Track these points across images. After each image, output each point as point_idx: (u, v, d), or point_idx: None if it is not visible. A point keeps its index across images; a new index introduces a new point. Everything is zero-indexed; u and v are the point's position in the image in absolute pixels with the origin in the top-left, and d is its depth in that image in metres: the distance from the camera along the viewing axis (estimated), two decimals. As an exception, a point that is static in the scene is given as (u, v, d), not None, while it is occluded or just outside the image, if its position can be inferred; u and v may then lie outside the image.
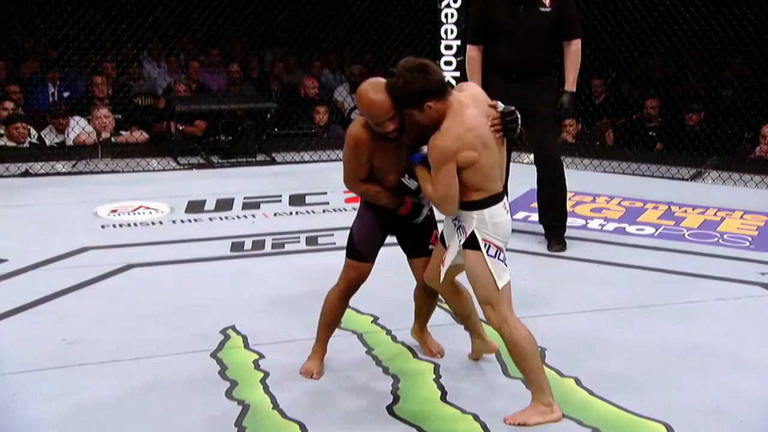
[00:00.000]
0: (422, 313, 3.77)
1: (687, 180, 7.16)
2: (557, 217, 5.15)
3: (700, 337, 3.93)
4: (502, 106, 3.16)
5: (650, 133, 7.96)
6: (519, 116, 3.14)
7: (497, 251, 3.15)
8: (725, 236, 5.46)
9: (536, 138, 5.04)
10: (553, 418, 3.16)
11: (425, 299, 3.70)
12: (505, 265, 3.18)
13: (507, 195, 3.42)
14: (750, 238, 5.42)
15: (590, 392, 3.41)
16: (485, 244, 3.12)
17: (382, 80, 3.12)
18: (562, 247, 5.09)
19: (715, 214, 5.96)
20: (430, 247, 3.49)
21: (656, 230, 5.58)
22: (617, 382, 3.47)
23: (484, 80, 4.89)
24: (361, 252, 3.49)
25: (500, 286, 3.15)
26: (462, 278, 3.39)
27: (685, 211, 6.04)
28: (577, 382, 3.49)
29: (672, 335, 3.94)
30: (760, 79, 8.08)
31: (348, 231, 3.52)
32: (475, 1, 4.88)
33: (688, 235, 5.51)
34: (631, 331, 3.55)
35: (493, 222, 3.12)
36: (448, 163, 3.00)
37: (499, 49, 4.82)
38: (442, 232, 3.38)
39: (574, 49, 4.80)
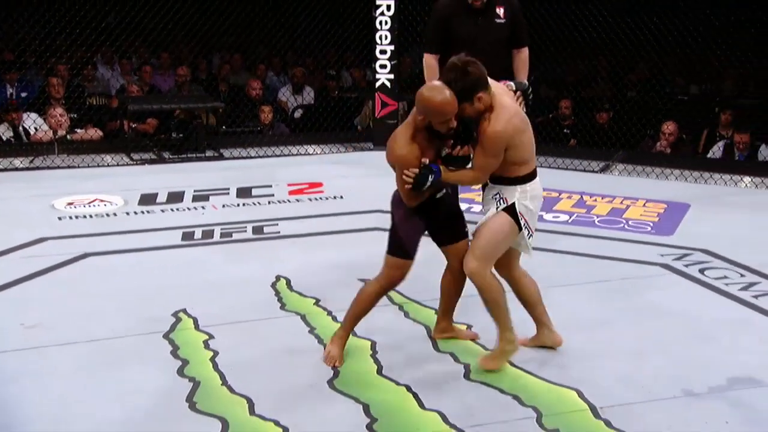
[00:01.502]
0: (450, 304, 3.63)
1: (597, 172, 7.30)
2: None
3: (610, 313, 4.02)
4: (514, 85, 3.28)
5: (564, 130, 8.09)
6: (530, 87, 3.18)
7: (529, 233, 3.29)
8: (630, 222, 5.59)
9: None
10: (515, 350, 3.37)
11: (455, 286, 3.56)
12: (531, 238, 3.31)
13: None
14: (651, 224, 5.55)
15: (511, 363, 3.46)
16: (524, 222, 3.25)
17: (439, 83, 3.13)
18: None
19: (622, 202, 6.09)
20: (465, 229, 3.43)
21: (570, 217, 5.68)
22: (535, 354, 3.53)
23: None
24: (408, 250, 3.35)
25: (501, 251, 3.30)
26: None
27: (595, 200, 6.15)
28: (500, 354, 3.54)
29: (584, 312, 4.03)
30: (660, 82, 8.28)
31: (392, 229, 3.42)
32: (435, 13, 4.75)
33: (598, 221, 5.62)
34: (550, 309, 3.62)
35: (532, 194, 3.25)
36: (498, 145, 3.10)
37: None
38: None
39: (525, 56, 4.77)
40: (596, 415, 3.07)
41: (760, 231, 5.33)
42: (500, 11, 4.60)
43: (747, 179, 6.63)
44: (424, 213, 3.32)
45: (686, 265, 4.67)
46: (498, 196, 3.26)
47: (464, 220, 3.47)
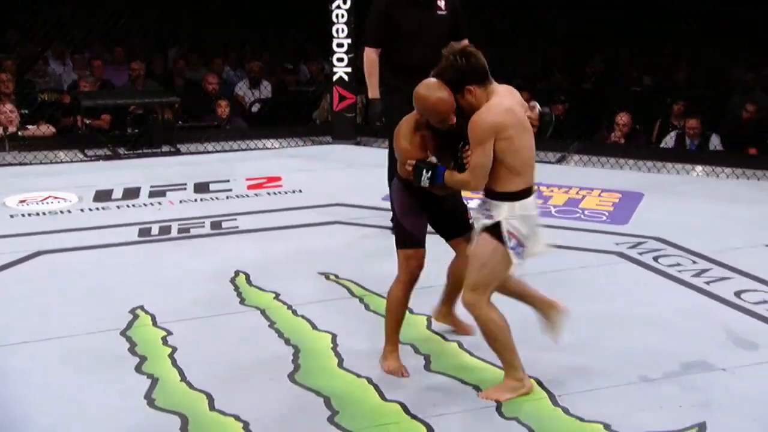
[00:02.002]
0: (454, 292, 3.45)
1: (554, 163, 7.37)
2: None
3: (567, 301, 4.03)
4: (539, 106, 3.15)
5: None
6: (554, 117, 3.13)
7: (517, 244, 2.97)
8: (586, 212, 5.66)
9: None
10: (524, 392, 3.10)
11: (462, 278, 3.25)
12: (520, 259, 3.01)
13: None
14: (606, 213, 5.63)
15: (471, 354, 3.48)
16: (509, 237, 2.95)
17: (435, 80, 3.00)
18: None
19: (578, 192, 6.16)
20: (471, 220, 3.23)
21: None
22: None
23: (380, 81, 4.80)
24: (419, 239, 3.21)
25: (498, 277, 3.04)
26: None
27: (552, 190, 6.22)
28: (460, 345, 3.56)
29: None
30: (614, 75, 8.40)
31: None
32: (376, 7, 4.73)
33: (555, 211, 5.69)
34: (507, 302, 3.65)
35: (522, 215, 2.96)
36: (485, 133, 2.86)
37: (403, 51, 4.68)
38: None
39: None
40: (554, 402, 3.10)
41: (711, 219, 5.44)
42: (441, 3, 4.62)
43: (699, 168, 6.76)
44: (425, 204, 3.20)
45: (640, 253, 4.74)
46: (486, 210, 3.03)
47: (468, 212, 3.32)
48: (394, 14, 4.62)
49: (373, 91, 4.76)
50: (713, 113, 7.62)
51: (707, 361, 3.42)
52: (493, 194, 2.99)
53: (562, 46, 8.41)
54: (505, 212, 2.96)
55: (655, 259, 4.66)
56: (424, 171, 3.01)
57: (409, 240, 3.22)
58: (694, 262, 4.59)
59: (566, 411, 3.04)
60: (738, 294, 4.13)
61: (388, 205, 5.60)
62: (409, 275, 3.26)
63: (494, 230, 2.97)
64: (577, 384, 3.19)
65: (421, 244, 3.22)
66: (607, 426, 2.94)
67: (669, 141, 7.40)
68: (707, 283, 4.30)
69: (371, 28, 4.73)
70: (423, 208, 3.21)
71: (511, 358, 3.10)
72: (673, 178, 6.62)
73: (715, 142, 7.20)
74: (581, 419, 2.99)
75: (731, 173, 6.57)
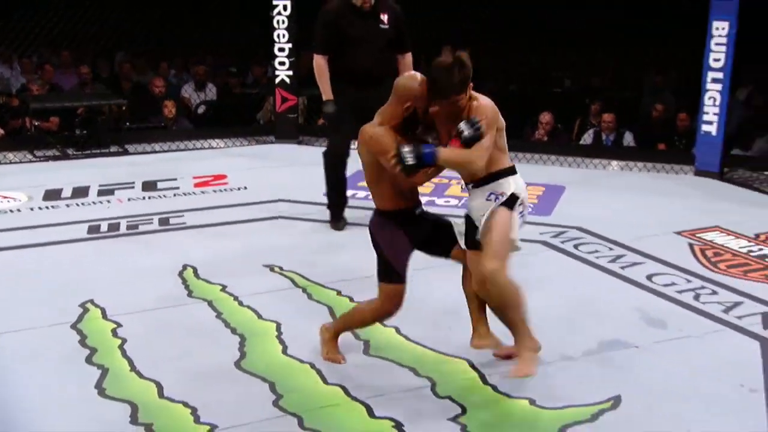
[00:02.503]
0: (479, 305, 3.20)
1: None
2: None
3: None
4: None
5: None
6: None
7: (523, 210, 3.07)
8: (513, 205, 5.73)
9: None
10: (538, 355, 3.10)
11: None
12: (524, 223, 3.11)
13: None
14: (531, 205, 5.69)
15: (407, 338, 3.52)
16: (520, 204, 3.03)
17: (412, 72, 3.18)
18: None
19: (506, 187, 6.23)
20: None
21: (459, 201, 5.78)
22: (430, 330, 3.59)
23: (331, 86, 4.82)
24: (399, 272, 3.08)
25: (515, 239, 3.02)
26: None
27: (482, 185, 6.28)
28: (397, 330, 3.58)
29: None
30: (539, 75, 8.53)
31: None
32: (324, 15, 4.77)
33: (485, 205, 5.74)
34: (440, 288, 3.69)
35: (521, 184, 3.06)
36: (492, 115, 2.94)
37: (347, 59, 4.74)
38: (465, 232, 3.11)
39: (408, 61, 4.87)
40: (484, 381, 3.16)
41: (625, 209, 5.57)
42: (384, 17, 4.69)
43: (614, 163, 6.92)
44: (408, 227, 3.09)
45: (562, 242, 4.84)
46: (492, 195, 3.00)
47: (450, 225, 3.20)
48: (340, 24, 4.67)
49: (326, 93, 4.81)
50: (627, 112, 7.81)
51: (621, 340, 3.52)
52: (495, 174, 3.01)
53: (491, 51, 8.52)
54: (512, 185, 3.02)
55: (576, 246, 4.76)
56: (403, 150, 2.86)
57: (394, 275, 3.07)
58: (611, 249, 4.70)
59: (495, 389, 3.10)
60: (649, 277, 4.26)
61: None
62: (387, 312, 3.15)
63: (511, 202, 3.01)
64: (505, 364, 3.24)
65: (401, 279, 3.09)
66: (532, 401, 3.01)
67: (587, 138, 7.55)
68: (622, 267, 4.41)
69: (319, 35, 4.77)
70: (409, 240, 3.09)
71: (523, 327, 3.05)
72: (591, 172, 6.76)
73: (628, 139, 7.38)
74: (508, 396, 3.06)
75: (643, 167, 6.75)
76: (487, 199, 3.01)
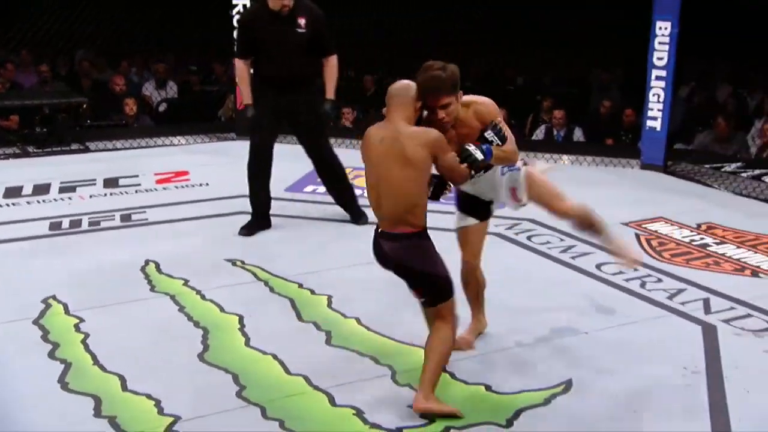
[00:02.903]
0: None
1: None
2: (350, 202, 5.07)
3: (454, 278, 4.14)
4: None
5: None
6: None
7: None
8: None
9: (311, 145, 4.91)
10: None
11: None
12: None
13: None
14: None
15: (368, 328, 3.52)
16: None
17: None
18: (365, 218, 4.93)
19: (461, 181, 6.27)
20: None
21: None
22: (390, 319, 3.60)
23: (252, 90, 4.75)
24: (452, 282, 2.87)
25: (545, 172, 3.27)
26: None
27: (439, 180, 6.31)
28: (358, 321, 3.59)
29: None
30: (492, 77, 8.60)
31: None
32: (242, 20, 4.71)
33: (441, 198, 5.76)
34: (401, 280, 3.69)
35: None
36: (498, 111, 2.98)
37: (266, 63, 4.66)
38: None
39: (332, 63, 4.79)
40: (442, 369, 3.17)
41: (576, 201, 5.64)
42: (302, 21, 4.58)
43: (565, 157, 6.99)
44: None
45: (516, 234, 4.88)
46: (504, 168, 3.11)
47: None
48: (257, 28, 4.59)
49: (245, 98, 4.76)
50: (576, 109, 7.92)
51: (573, 326, 3.58)
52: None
53: (445, 49, 8.56)
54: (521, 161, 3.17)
55: (529, 238, 4.81)
56: (477, 151, 2.78)
57: (451, 287, 2.83)
58: (562, 240, 4.76)
59: (453, 376, 3.12)
60: (598, 266, 4.32)
61: (292, 195, 5.63)
62: (455, 321, 2.90)
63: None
64: (461, 352, 3.26)
65: (453, 290, 2.86)
66: (488, 387, 3.04)
67: (539, 134, 7.64)
68: (573, 257, 4.48)
69: (238, 40, 4.75)
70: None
71: (607, 231, 3.36)
72: (543, 166, 6.83)
73: (578, 134, 7.48)
74: (466, 382, 3.08)
75: (592, 161, 6.84)
76: (502, 174, 3.14)
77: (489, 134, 2.88)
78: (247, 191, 4.96)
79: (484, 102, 3.00)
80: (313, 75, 4.77)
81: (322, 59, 4.78)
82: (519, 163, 3.15)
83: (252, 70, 4.81)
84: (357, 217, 5.03)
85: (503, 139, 2.88)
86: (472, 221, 3.28)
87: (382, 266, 2.86)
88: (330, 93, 4.86)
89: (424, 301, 2.86)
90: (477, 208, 3.28)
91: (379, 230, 2.81)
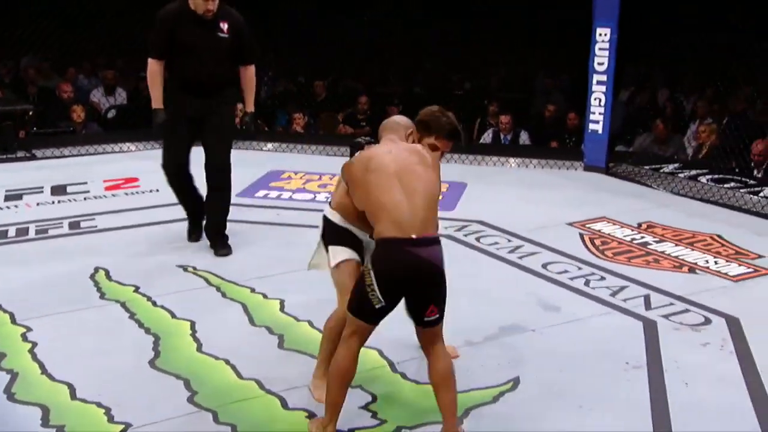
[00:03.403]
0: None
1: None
2: (219, 222, 4.62)
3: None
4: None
5: (361, 123, 8.23)
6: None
7: None
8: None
9: (208, 147, 4.56)
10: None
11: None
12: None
13: None
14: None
15: (320, 331, 3.49)
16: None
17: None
18: (228, 250, 4.54)
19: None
20: None
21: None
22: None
23: (165, 92, 4.45)
24: None
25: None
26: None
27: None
28: (310, 324, 3.57)
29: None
30: (446, 77, 8.65)
31: None
32: (161, 20, 4.39)
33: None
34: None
35: None
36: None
37: (181, 65, 4.41)
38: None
39: (251, 73, 4.58)
40: (393, 369, 3.18)
41: (522, 203, 5.73)
42: (224, 26, 4.39)
43: (512, 160, 7.09)
44: None
45: (465, 235, 4.92)
46: None
47: None
48: (176, 29, 4.35)
49: (156, 101, 4.42)
50: (521, 113, 8.02)
51: (520, 324, 3.62)
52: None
53: (398, 55, 8.61)
54: None
55: (477, 239, 4.86)
56: None
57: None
58: (509, 241, 4.82)
59: (404, 376, 3.13)
60: (545, 266, 4.39)
61: (243, 200, 5.58)
62: None
63: None
64: (411, 352, 3.27)
65: None
66: (438, 386, 3.05)
67: (487, 137, 7.72)
68: (520, 258, 4.53)
69: (154, 39, 4.38)
70: None
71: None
72: (491, 169, 6.90)
73: (524, 138, 7.59)
74: (417, 382, 3.09)
75: (538, 164, 6.95)
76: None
77: None
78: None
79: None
80: (231, 82, 4.54)
81: (240, 67, 4.54)
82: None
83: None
84: (218, 247, 4.55)
85: None
86: (356, 256, 2.88)
87: (402, 281, 2.51)
88: (249, 105, 4.67)
89: (435, 318, 2.58)
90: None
91: (412, 237, 2.47)
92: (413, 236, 2.47)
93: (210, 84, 4.42)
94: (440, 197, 2.85)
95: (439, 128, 2.85)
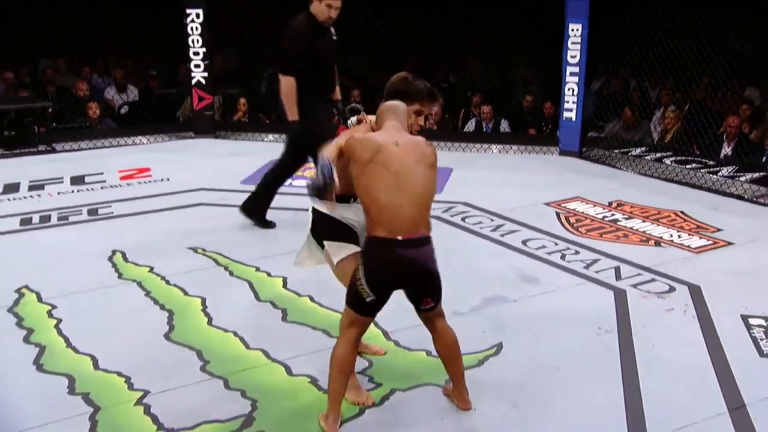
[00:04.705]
0: None
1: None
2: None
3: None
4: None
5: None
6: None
7: None
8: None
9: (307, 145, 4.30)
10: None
11: None
12: None
13: None
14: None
15: (320, 305, 3.52)
16: None
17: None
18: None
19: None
20: None
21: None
22: (336, 296, 3.59)
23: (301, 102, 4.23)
24: None
25: None
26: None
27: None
28: (311, 298, 3.59)
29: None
30: (430, 71, 8.61)
31: None
32: (295, 36, 4.15)
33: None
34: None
35: None
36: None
37: (314, 73, 4.21)
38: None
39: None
40: (387, 338, 3.20)
41: (504, 185, 5.74)
42: (333, 30, 4.34)
43: (494, 147, 7.09)
44: None
45: (452, 216, 4.94)
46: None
47: None
48: (310, 42, 4.18)
49: (294, 114, 4.23)
50: (502, 102, 8.01)
51: (502, 295, 3.65)
52: None
53: (383, 50, 8.57)
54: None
55: (463, 219, 4.87)
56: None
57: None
58: (492, 220, 4.84)
59: (397, 344, 3.15)
60: (524, 242, 4.41)
61: (247, 187, 5.55)
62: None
63: None
64: (404, 321, 3.27)
65: None
66: (428, 353, 3.07)
67: (470, 126, 7.72)
68: (502, 235, 4.55)
69: (291, 57, 4.17)
70: None
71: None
72: (474, 155, 6.91)
73: (504, 126, 7.58)
74: (409, 349, 3.12)
75: (517, 149, 6.95)
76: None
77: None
78: (205, 184, 4.89)
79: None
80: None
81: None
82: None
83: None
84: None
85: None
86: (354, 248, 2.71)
87: (390, 280, 2.45)
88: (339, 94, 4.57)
89: (431, 307, 2.57)
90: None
91: (399, 239, 2.39)
92: (403, 237, 2.38)
93: (335, 84, 4.37)
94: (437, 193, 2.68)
95: (419, 93, 2.68)
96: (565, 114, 6.65)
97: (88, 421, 2.60)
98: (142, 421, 2.60)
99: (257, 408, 2.68)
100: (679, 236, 4.51)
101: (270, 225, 4.67)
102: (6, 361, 2.99)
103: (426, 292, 2.53)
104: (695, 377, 2.90)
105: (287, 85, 4.18)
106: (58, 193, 5.52)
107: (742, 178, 5.84)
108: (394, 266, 2.42)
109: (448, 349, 2.61)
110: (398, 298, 2.81)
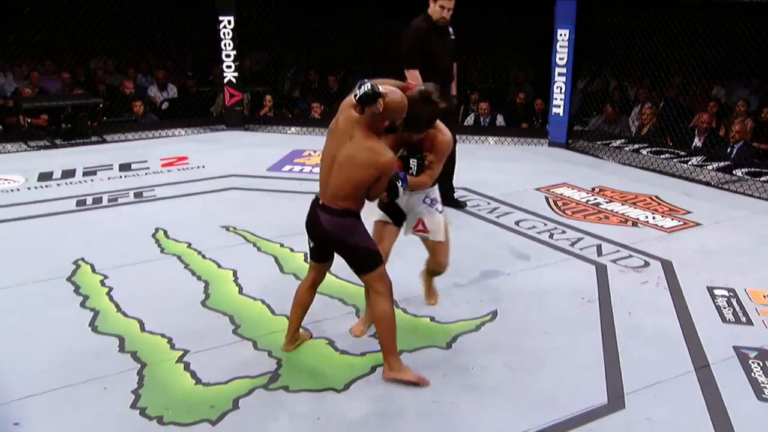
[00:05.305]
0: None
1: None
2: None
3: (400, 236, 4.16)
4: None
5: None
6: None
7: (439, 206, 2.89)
8: (415, 173, 5.78)
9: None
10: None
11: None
12: None
13: None
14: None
15: (336, 276, 3.50)
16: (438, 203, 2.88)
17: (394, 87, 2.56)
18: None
19: (408, 159, 6.27)
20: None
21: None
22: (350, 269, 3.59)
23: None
24: (379, 253, 2.60)
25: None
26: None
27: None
28: (336, 276, 3.57)
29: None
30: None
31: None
32: (414, 35, 4.08)
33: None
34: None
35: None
36: (448, 151, 2.72)
37: (431, 70, 4.04)
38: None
39: (456, 67, 4.43)
40: (396, 305, 3.18)
41: (499, 173, 5.70)
42: (450, 29, 4.21)
43: (490, 139, 7.04)
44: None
45: (452, 199, 4.91)
46: (427, 199, 2.84)
47: None
48: (427, 41, 4.08)
49: None
50: (498, 99, 7.95)
51: (497, 269, 3.64)
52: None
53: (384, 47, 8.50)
54: (437, 190, 2.90)
55: (463, 202, 4.85)
56: (398, 182, 2.59)
57: (378, 257, 2.58)
58: (488, 203, 4.82)
59: (405, 311, 3.15)
60: (517, 223, 4.39)
61: (273, 174, 5.57)
62: (389, 287, 2.58)
63: (436, 206, 2.88)
64: (410, 290, 3.30)
65: (381, 259, 2.61)
66: (432, 318, 3.09)
67: (469, 120, 7.66)
68: (497, 216, 4.53)
69: (411, 54, 4.08)
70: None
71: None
72: (473, 146, 6.87)
73: (499, 120, 7.52)
74: (415, 315, 3.12)
75: (511, 141, 6.90)
76: (423, 202, 2.85)
77: (413, 162, 2.67)
78: (235, 171, 4.89)
79: (445, 135, 2.69)
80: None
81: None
82: (439, 206, 2.87)
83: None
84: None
85: (420, 170, 2.68)
86: (388, 220, 2.87)
87: (307, 229, 2.63)
88: (455, 91, 4.52)
89: (355, 271, 2.61)
90: (394, 213, 2.88)
91: (321, 203, 2.55)
92: (322, 202, 2.55)
93: (449, 81, 4.29)
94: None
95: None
96: (554, 110, 6.59)
97: (136, 375, 2.64)
98: (182, 376, 2.63)
99: (282, 366, 2.70)
100: (654, 218, 4.48)
101: (461, 205, 4.63)
102: (66, 324, 3.02)
103: (338, 253, 2.64)
104: (666, 341, 2.90)
105: (413, 77, 4.05)
106: (108, 179, 5.54)
107: (710, 167, 5.78)
108: (308, 219, 2.63)
109: (375, 318, 2.59)
110: (396, 274, 2.80)
